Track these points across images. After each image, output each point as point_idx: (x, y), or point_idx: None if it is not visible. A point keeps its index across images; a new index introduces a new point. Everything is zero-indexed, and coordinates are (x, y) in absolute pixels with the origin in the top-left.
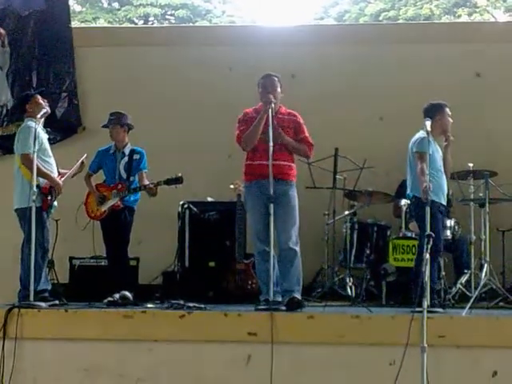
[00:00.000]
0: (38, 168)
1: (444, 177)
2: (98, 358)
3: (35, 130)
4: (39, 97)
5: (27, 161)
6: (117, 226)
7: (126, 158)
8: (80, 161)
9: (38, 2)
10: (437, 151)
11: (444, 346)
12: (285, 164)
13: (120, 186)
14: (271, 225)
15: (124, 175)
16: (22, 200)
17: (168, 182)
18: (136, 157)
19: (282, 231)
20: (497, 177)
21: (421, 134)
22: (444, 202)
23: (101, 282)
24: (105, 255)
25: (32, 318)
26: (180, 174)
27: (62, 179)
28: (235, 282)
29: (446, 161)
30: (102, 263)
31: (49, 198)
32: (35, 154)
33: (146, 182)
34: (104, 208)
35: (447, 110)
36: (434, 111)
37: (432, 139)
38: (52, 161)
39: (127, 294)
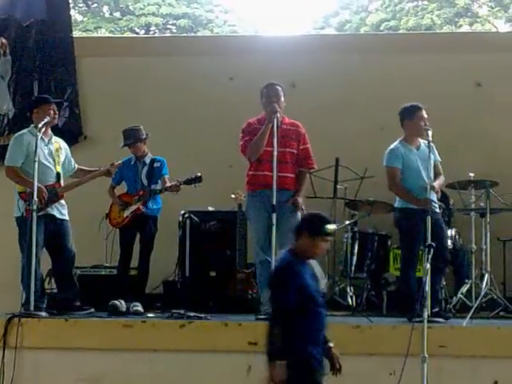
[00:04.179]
0: (20, 178)
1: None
2: (98, 367)
3: (17, 140)
4: (53, 106)
5: (8, 172)
6: (143, 236)
7: (147, 167)
8: (105, 168)
9: (40, 12)
10: (416, 157)
11: (445, 355)
12: (288, 175)
13: (142, 192)
14: (273, 234)
15: (146, 183)
16: (14, 209)
17: (187, 181)
18: (157, 164)
19: (285, 241)
20: (498, 187)
21: (393, 144)
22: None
23: (101, 292)
24: (105, 265)
25: (32, 328)
26: (199, 174)
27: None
28: (236, 291)
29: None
30: (102, 272)
31: (27, 203)
32: (22, 164)
33: (169, 185)
34: (126, 213)
35: (419, 112)
36: (403, 116)
37: (408, 146)
38: (44, 168)
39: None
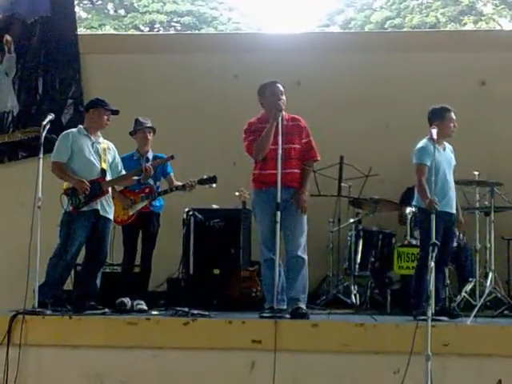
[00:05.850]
0: (64, 173)
1: (450, 184)
2: (102, 365)
3: (63, 136)
4: (109, 113)
5: (54, 168)
6: (146, 233)
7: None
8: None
9: (44, 9)
10: (443, 158)
11: (448, 354)
12: (294, 171)
13: (148, 190)
14: (277, 232)
15: (150, 180)
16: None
17: (201, 181)
18: None
19: (291, 239)
20: (502, 185)
21: (422, 142)
22: (450, 210)
23: (106, 289)
24: (109, 262)
25: (36, 325)
26: (213, 174)
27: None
28: (240, 289)
29: None
30: (107, 270)
31: (73, 199)
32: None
33: (178, 183)
34: (132, 211)
35: (449, 114)
36: (432, 117)
37: (437, 146)
38: (88, 163)
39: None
